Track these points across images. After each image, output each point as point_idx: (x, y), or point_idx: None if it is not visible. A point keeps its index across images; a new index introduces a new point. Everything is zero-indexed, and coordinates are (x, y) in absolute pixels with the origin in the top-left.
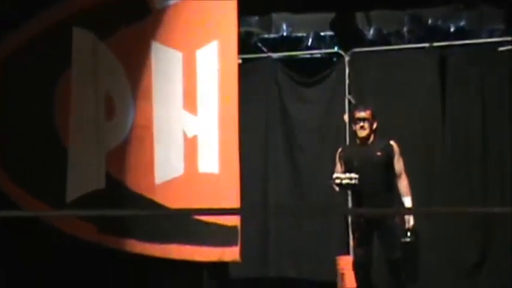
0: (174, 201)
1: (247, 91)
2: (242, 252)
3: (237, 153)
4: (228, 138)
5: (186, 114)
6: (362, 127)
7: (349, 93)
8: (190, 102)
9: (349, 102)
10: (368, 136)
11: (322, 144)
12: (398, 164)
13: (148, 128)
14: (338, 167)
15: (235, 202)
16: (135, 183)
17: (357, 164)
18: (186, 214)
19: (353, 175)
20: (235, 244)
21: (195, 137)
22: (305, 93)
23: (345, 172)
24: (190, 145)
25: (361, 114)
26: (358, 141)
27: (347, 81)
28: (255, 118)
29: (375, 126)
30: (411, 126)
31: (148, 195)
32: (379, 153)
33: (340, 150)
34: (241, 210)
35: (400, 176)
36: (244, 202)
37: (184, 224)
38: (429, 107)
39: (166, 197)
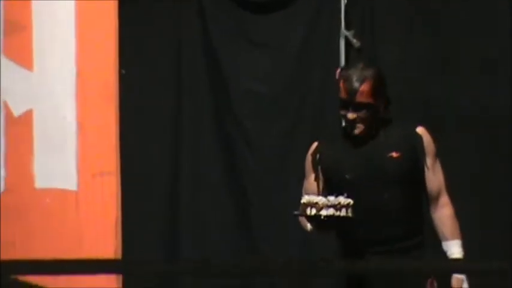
0: None
1: (141, 26)
2: None
3: (116, 151)
4: (97, 121)
5: (11, 67)
6: (351, 120)
7: (347, 27)
8: (17, 44)
9: (348, 44)
10: (367, 131)
11: (292, 132)
12: (434, 174)
13: None
14: (310, 180)
15: (111, 248)
16: None
17: (352, 177)
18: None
19: (342, 199)
20: None
21: (28, 116)
22: (257, 25)
23: (325, 193)
24: (20, 133)
25: (352, 87)
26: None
27: (343, 1)
28: (156, 81)
29: (381, 110)
30: (467, 93)
31: None
32: (394, 154)
33: (314, 147)
34: (125, 264)
35: (437, 197)
36: (128, 251)
37: None
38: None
39: None
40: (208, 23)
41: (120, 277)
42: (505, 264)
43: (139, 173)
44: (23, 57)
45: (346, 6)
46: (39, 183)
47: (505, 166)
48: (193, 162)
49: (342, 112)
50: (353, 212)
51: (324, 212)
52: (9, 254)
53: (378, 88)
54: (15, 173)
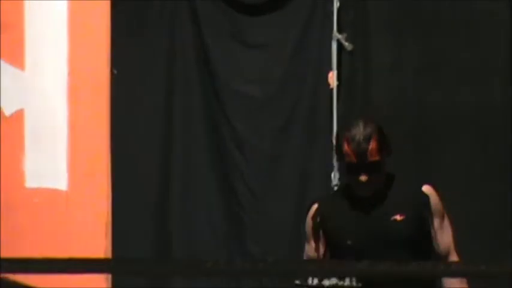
0: None
1: (133, 27)
2: None
3: (107, 151)
4: (88, 121)
5: (3, 67)
6: (365, 183)
7: (339, 31)
8: (9, 43)
9: (341, 48)
10: (376, 190)
11: (283, 133)
12: (443, 234)
13: None
14: (311, 244)
15: (101, 248)
16: None
17: (354, 242)
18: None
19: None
20: None
21: (19, 115)
22: (250, 27)
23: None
24: (11, 132)
25: (360, 149)
26: (355, 188)
27: (336, 3)
28: (148, 82)
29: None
30: (461, 95)
31: None
32: (397, 217)
33: (314, 209)
34: (114, 263)
35: (446, 256)
36: (118, 251)
37: None
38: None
39: None
40: (201, 24)
41: (110, 277)
42: (506, 267)
43: (130, 173)
44: (15, 57)
45: (338, 9)
46: (30, 182)
47: (503, 166)
48: (184, 163)
49: (352, 176)
50: (359, 280)
51: (326, 283)
52: None
53: (383, 142)
54: (6, 172)
